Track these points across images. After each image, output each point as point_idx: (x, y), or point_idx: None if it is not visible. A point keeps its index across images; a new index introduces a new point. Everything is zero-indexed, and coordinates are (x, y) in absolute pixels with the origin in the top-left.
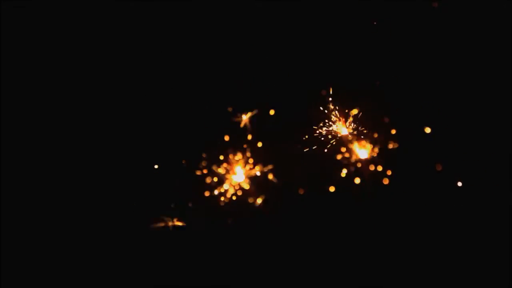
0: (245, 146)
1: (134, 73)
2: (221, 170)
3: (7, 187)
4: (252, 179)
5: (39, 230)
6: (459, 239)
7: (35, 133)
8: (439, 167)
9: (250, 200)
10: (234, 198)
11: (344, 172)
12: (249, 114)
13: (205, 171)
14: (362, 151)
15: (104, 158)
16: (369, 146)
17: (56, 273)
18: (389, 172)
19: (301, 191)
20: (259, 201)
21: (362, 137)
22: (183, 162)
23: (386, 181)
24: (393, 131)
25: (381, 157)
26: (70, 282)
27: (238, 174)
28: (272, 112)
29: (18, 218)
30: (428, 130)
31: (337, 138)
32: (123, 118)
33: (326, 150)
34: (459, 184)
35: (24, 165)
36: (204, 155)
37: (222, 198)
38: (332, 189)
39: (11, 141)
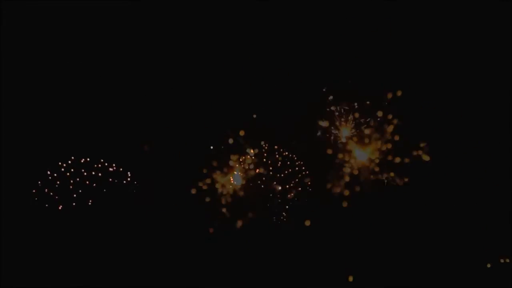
0: (247, 149)
1: (133, 72)
2: (220, 173)
3: (7, 187)
4: (252, 182)
5: (38, 229)
6: (459, 239)
7: (28, 132)
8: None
9: (249, 201)
10: (232, 200)
11: (343, 172)
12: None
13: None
14: (362, 153)
15: (104, 157)
16: (368, 149)
17: (56, 273)
18: (388, 173)
19: (300, 192)
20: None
21: (363, 139)
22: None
23: (385, 182)
24: (393, 134)
25: (380, 159)
26: (69, 282)
27: (236, 177)
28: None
29: (19, 218)
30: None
31: (338, 140)
32: (123, 118)
33: (326, 152)
34: (489, 266)
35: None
36: (203, 157)
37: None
38: (333, 190)
39: (11, 140)
